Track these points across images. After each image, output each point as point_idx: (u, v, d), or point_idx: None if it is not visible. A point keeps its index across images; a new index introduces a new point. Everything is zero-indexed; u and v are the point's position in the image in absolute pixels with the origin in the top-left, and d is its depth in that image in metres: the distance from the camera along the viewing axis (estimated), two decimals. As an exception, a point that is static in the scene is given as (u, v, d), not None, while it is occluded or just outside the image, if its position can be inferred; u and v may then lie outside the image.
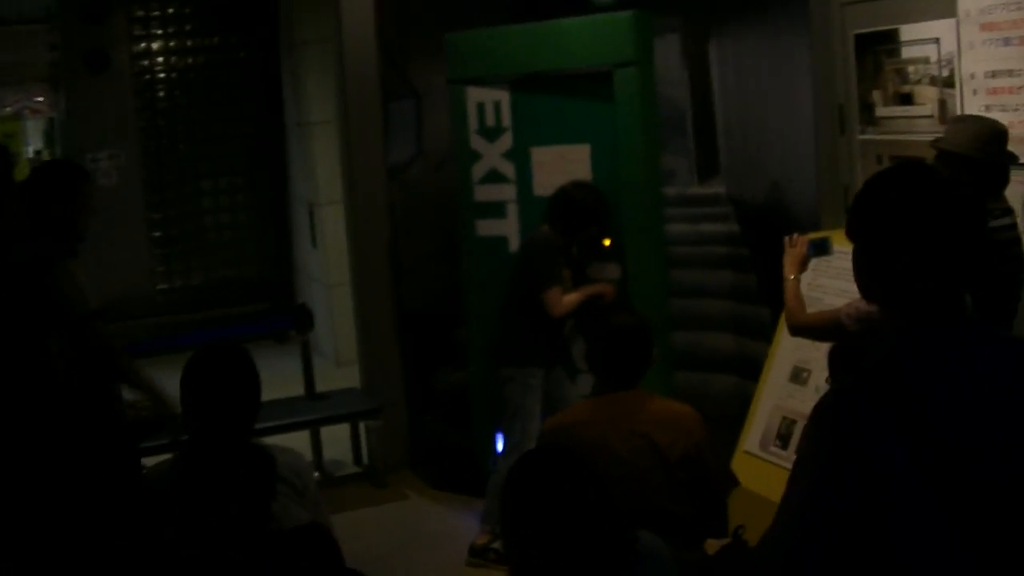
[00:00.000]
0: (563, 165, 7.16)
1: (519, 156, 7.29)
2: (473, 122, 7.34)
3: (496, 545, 6.71)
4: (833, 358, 4.16)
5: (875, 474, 2.27)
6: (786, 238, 5.15)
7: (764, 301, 7.34)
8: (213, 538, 3.07)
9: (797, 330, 4.97)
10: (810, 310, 5.04)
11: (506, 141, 7.34)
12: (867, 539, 2.27)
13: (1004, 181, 5.04)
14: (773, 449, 6.23)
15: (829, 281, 6.21)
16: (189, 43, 13.84)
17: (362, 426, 8.62)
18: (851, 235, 2.58)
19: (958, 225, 2.44)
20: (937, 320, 2.43)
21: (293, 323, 9.04)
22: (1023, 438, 2.34)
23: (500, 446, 7.16)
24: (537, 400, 6.73)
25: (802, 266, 5.07)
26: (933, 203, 2.44)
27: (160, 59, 13.76)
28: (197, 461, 3.17)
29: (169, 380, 10.51)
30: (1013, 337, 2.50)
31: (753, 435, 6.41)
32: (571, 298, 6.61)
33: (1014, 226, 5.06)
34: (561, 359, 6.95)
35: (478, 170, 7.36)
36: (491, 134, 7.34)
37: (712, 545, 4.71)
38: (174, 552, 3.17)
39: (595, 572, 2.94)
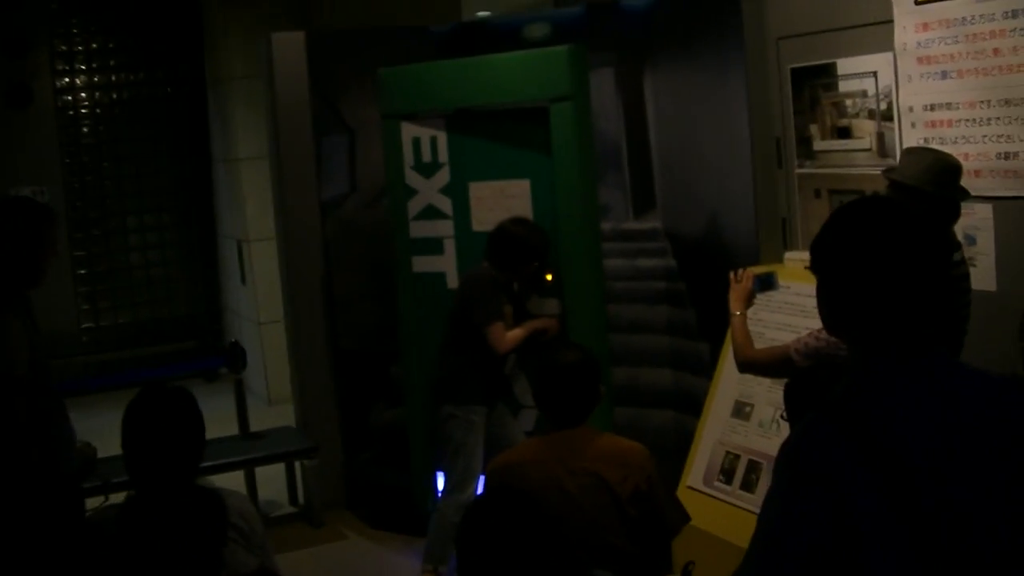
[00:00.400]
0: (502, 200, 7.11)
1: (456, 191, 7.25)
2: (409, 157, 7.29)
3: None
4: (789, 394, 4.14)
5: (843, 509, 2.26)
6: (731, 273, 5.14)
7: (703, 336, 7.33)
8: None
9: (746, 366, 4.95)
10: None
11: (443, 176, 7.28)
12: (836, 572, 2.26)
13: (955, 216, 5.03)
14: (717, 484, 6.21)
15: (769, 315, 6.21)
16: (114, 78, 13.71)
17: (298, 465, 8.50)
18: (816, 268, 2.56)
19: (925, 260, 2.44)
20: (903, 354, 2.42)
21: (225, 361, 8.93)
22: (988, 471, 2.34)
23: (440, 484, 7.10)
24: (480, 438, 6.67)
25: (748, 301, 5.07)
26: (901, 238, 2.43)
27: (84, 94, 13.61)
28: (146, 506, 3.07)
29: (97, 418, 10.38)
30: (978, 370, 2.48)
31: (696, 470, 6.40)
32: (515, 334, 6.57)
33: (963, 261, 5.08)
34: (503, 396, 6.90)
35: (414, 206, 7.30)
36: (427, 170, 7.29)
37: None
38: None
39: None
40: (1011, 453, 2.37)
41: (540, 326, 6.69)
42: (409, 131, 7.30)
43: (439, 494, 7.20)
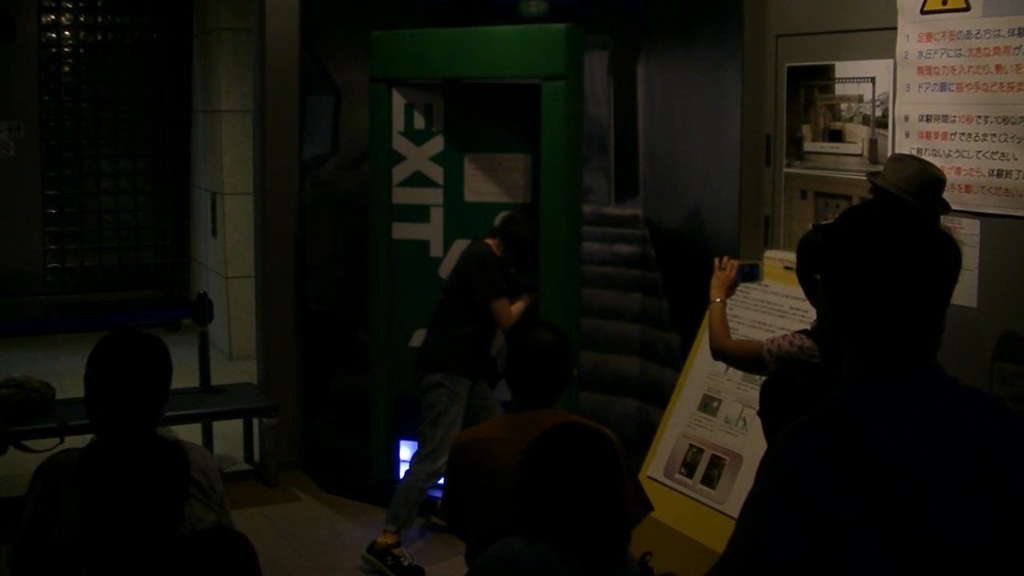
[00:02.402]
0: (499, 173, 7.12)
1: (449, 161, 7.22)
2: (399, 123, 7.23)
3: (397, 551, 6.62)
4: (765, 393, 4.10)
5: (826, 516, 2.24)
6: (716, 260, 5.10)
7: (675, 327, 7.30)
8: (122, 537, 2.91)
9: (719, 354, 4.92)
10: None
11: (435, 145, 7.25)
12: None
13: None
14: (678, 476, 6.18)
15: (744, 311, 6.19)
16: (100, 19, 13.60)
17: (255, 423, 8.43)
18: (821, 270, 2.51)
19: (935, 273, 2.39)
20: (900, 365, 2.38)
21: (191, 313, 8.85)
22: (974, 493, 2.32)
23: (408, 453, 7.18)
24: (461, 410, 6.78)
25: (729, 290, 5.05)
26: (913, 249, 2.37)
27: (68, 32, 13.49)
28: (108, 452, 3.00)
29: (55, 360, 10.28)
30: (972, 388, 2.44)
31: (657, 461, 6.36)
32: (517, 307, 6.71)
33: None
34: (486, 371, 7.03)
35: (400, 172, 7.25)
36: (419, 137, 7.24)
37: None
38: (78, 548, 3.01)
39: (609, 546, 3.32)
40: (998, 477, 2.35)
41: (531, 300, 6.81)
42: (402, 97, 7.24)
43: (400, 462, 7.21)
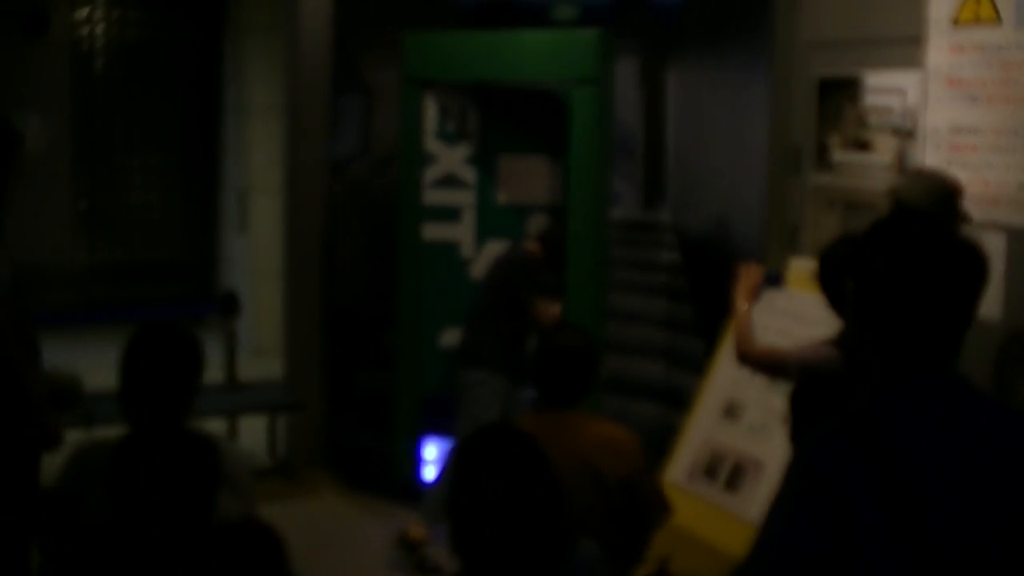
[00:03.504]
0: (531, 176, 7.17)
1: (483, 162, 7.28)
2: (431, 124, 7.27)
3: (427, 550, 6.71)
4: (795, 401, 4.12)
5: (848, 524, 2.26)
6: (741, 266, 5.12)
7: (699, 333, 7.32)
8: (155, 527, 2.96)
9: (743, 360, 4.94)
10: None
11: (470, 146, 7.30)
12: None
13: None
14: (700, 482, 6.19)
15: (770, 319, 6.19)
16: (132, 15, 13.63)
17: (280, 420, 8.48)
18: (853, 277, 2.53)
19: (962, 281, 2.41)
20: (927, 374, 2.40)
21: (219, 308, 8.90)
22: (996, 504, 2.34)
23: (434, 453, 7.25)
24: (498, 408, 6.83)
25: (754, 297, 5.06)
26: (945, 260, 2.40)
27: (101, 28, 13.52)
28: (142, 445, 3.04)
29: (83, 353, 10.36)
30: (995, 400, 2.48)
31: (679, 466, 6.38)
32: (557, 308, 6.80)
33: None
34: (520, 372, 7.05)
35: (432, 173, 7.30)
36: (452, 138, 7.29)
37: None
38: (109, 537, 3.06)
39: (534, 559, 2.92)
40: (1020, 487, 2.37)
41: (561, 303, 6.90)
42: (437, 98, 7.29)
43: (425, 462, 7.27)
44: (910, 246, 2.42)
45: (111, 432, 3.86)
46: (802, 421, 3.89)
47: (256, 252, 12.01)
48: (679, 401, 7.38)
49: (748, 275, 5.10)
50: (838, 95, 6.52)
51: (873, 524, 2.25)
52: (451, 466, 3.10)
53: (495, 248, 7.14)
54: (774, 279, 5.16)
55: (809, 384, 4.10)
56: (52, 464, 4.22)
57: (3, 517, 5.01)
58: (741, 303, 5.04)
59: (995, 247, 5.52)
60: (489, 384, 6.80)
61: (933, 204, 4.97)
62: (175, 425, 3.40)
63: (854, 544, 2.25)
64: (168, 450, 3.02)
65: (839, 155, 6.53)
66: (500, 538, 2.91)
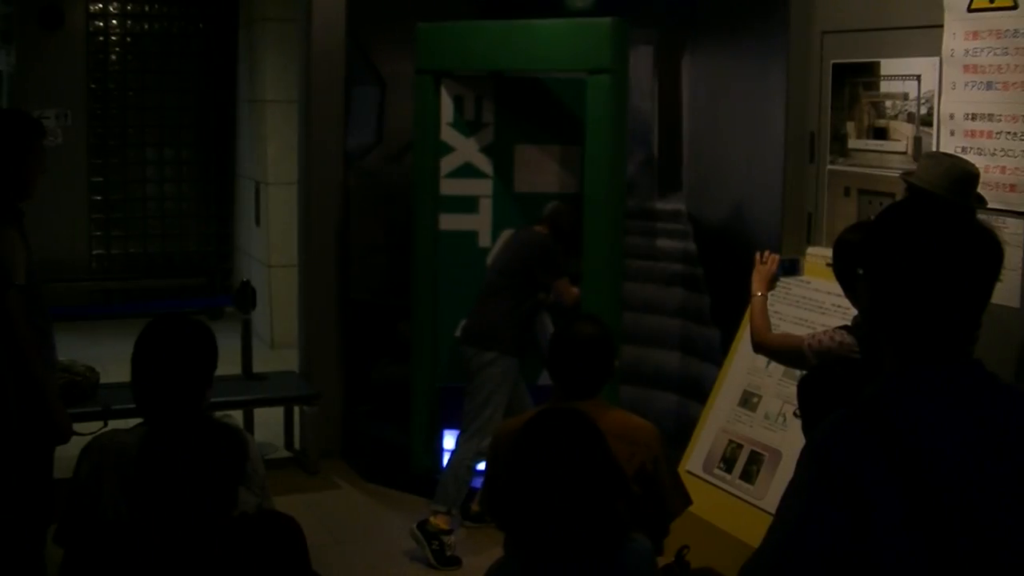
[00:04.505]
0: (547, 164, 7.17)
1: (499, 152, 7.28)
2: (448, 114, 7.27)
3: (446, 538, 6.69)
4: (803, 388, 4.11)
5: (863, 510, 2.24)
6: (757, 254, 5.10)
7: (716, 322, 7.31)
8: (177, 519, 2.96)
9: (759, 348, 4.93)
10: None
11: (486, 136, 7.31)
12: (851, 573, 2.24)
13: None
14: (717, 472, 6.20)
15: (786, 308, 6.19)
16: (147, 8, 13.67)
17: (296, 411, 8.49)
18: (864, 264, 2.51)
19: (980, 269, 2.39)
20: (941, 360, 2.38)
21: (234, 300, 8.90)
22: (1012, 489, 2.31)
23: (452, 443, 7.22)
24: (510, 389, 6.87)
25: (771, 284, 5.04)
26: (958, 245, 2.37)
27: (116, 21, 13.57)
28: (166, 436, 3.03)
29: (98, 345, 10.36)
30: (1012, 385, 2.45)
31: (696, 456, 6.38)
32: (576, 289, 6.87)
33: None
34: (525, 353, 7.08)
35: (448, 163, 7.30)
36: (469, 128, 7.29)
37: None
38: (127, 529, 3.06)
39: (589, 544, 3.05)
40: None
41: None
42: (452, 88, 7.28)
43: (444, 451, 7.27)
44: (924, 230, 2.40)
45: (127, 425, 3.86)
46: (813, 409, 3.88)
47: (272, 244, 12.03)
48: (695, 391, 7.37)
49: (764, 263, 5.08)
50: (854, 82, 6.49)
51: (888, 512, 2.23)
52: (512, 445, 3.23)
53: (507, 236, 7.14)
54: (791, 267, 5.12)
55: (821, 372, 4.09)
56: (68, 456, 4.21)
57: (14, 509, 5.03)
58: (757, 291, 5.02)
59: (1012, 234, 5.50)
60: (499, 365, 6.80)
61: (948, 188, 4.94)
62: (191, 415, 3.39)
63: (868, 532, 2.23)
64: (199, 440, 3.02)
65: (855, 142, 6.50)
66: (561, 519, 3.02)
